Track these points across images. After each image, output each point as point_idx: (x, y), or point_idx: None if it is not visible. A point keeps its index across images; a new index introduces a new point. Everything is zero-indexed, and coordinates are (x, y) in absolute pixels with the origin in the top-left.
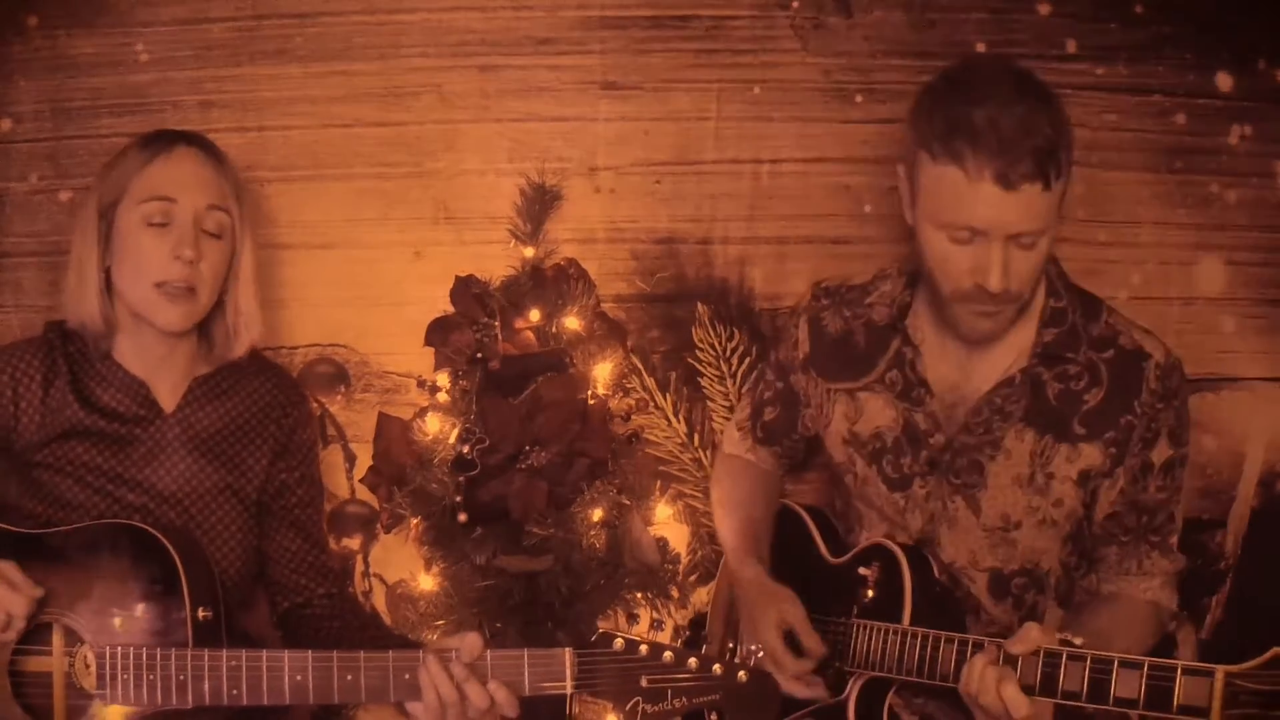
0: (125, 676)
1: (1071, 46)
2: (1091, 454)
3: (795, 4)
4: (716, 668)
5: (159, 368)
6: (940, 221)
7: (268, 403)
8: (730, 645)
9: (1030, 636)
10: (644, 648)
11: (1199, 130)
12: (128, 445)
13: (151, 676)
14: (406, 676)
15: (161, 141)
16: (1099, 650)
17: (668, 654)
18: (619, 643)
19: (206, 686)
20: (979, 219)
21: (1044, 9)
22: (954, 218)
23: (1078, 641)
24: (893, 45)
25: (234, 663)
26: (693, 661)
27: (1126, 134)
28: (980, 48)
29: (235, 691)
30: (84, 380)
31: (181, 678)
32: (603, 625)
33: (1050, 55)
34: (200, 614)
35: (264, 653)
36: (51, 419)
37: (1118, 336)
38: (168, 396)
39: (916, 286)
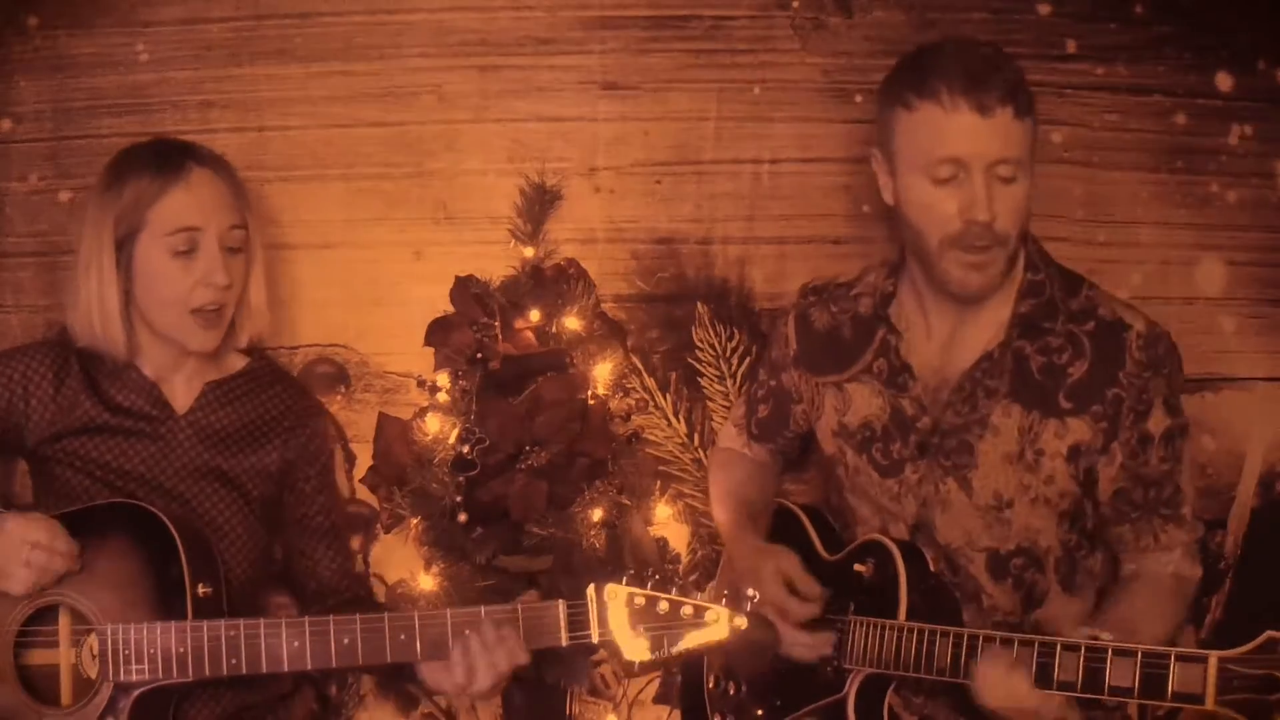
0: (128, 652)
1: (1071, 46)
2: (1080, 428)
3: (795, 4)
4: (710, 615)
5: (172, 371)
6: (922, 164)
7: (281, 412)
8: (724, 593)
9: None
10: (640, 599)
11: (1199, 130)
12: (138, 442)
13: (153, 650)
14: (402, 637)
15: (173, 165)
16: (1125, 636)
17: (663, 603)
18: (618, 594)
19: (206, 657)
20: (960, 148)
21: (1044, 9)
22: (935, 153)
23: (1105, 637)
24: (893, 45)
25: (232, 632)
26: (686, 610)
27: (1126, 134)
28: None
29: (234, 661)
30: (98, 379)
31: (181, 650)
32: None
33: (1050, 55)
34: (200, 590)
35: (261, 621)
36: (63, 416)
37: (1097, 308)
38: (180, 398)
39: (899, 275)
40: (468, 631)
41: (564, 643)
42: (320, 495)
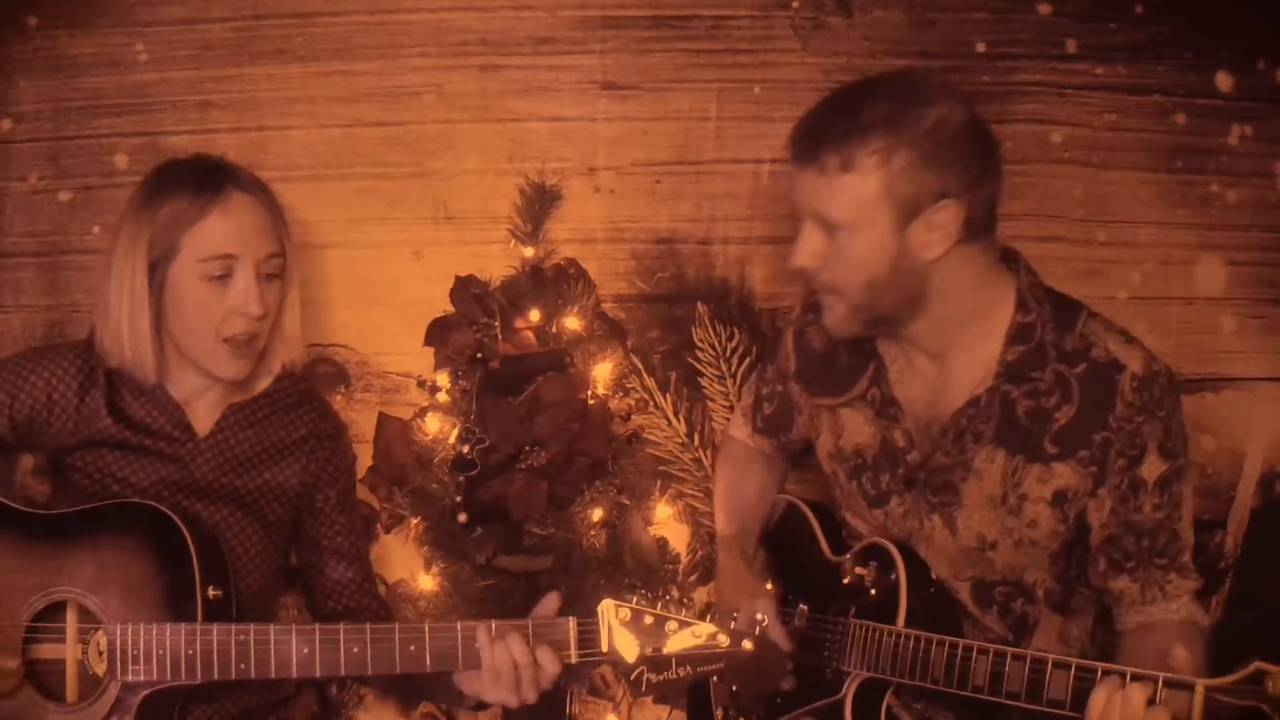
0: (136, 652)
1: (1071, 46)
2: (1065, 473)
3: (795, 4)
4: (721, 637)
5: (199, 395)
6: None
7: (303, 435)
8: (734, 615)
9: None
10: (648, 618)
11: (1199, 130)
12: (156, 461)
13: (161, 652)
14: (412, 648)
15: (212, 188)
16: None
17: (671, 624)
18: (624, 613)
19: (215, 660)
20: (799, 200)
21: (1044, 9)
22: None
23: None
24: (893, 45)
25: (241, 636)
26: (695, 631)
27: (1126, 134)
28: (980, 48)
29: (243, 665)
30: (123, 393)
31: (190, 652)
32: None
33: (1050, 55)
34: (210, 592)
35: (271, 626)
36: (85, 426)
37: (1091, 349)
38: (203, 420)
39: None
40: (496, 648)
41: (573, 660)
42: (341, 516)
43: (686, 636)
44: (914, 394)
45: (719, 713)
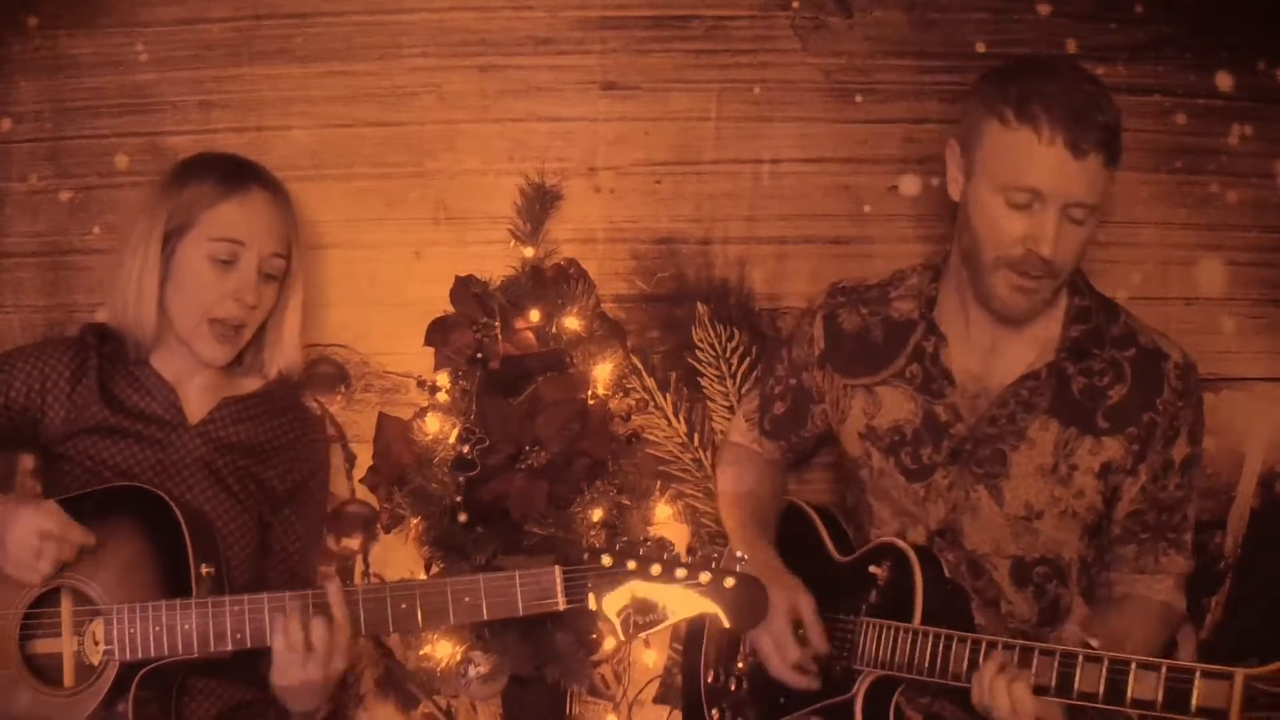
0: (133, 631)
1: (1071, 46)
2: (1113, 448)
3: (795, 4)
4: (704, 576)
5: (190, 379)
6: (1002, 184)
7: (290, 440)
8: (715, 555)
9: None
10: (632, 563)
11: (1199, 130)
12: (148, 447)
13: (158, 628)
14: (403, 606)
15: (237, 179)
16: (1111, 649)
17: (655, 567)
18: (606, 559)
19: (211, 632)
20: (1044, 181)
21: (1044, 9)
22: (1018, 180)
23: (1094, 644)
24: (893, 45)
25: (236, 607)
26: (680, 572)
27: (1126, 134)
28: (980, 48)
29: (239, 635)
30: (114, 381)
31: (187, 627)
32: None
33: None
34: (203, 570)
35: (265, 595)
36: (77, 414)
37: (1136, 336)
38: (194, 408)
39: (941, 280)
40: (280, 622)
41: (561, 606)
42: (304, 536)
43: (673, 575)
44: (966, 366)
45: (714, 713)
